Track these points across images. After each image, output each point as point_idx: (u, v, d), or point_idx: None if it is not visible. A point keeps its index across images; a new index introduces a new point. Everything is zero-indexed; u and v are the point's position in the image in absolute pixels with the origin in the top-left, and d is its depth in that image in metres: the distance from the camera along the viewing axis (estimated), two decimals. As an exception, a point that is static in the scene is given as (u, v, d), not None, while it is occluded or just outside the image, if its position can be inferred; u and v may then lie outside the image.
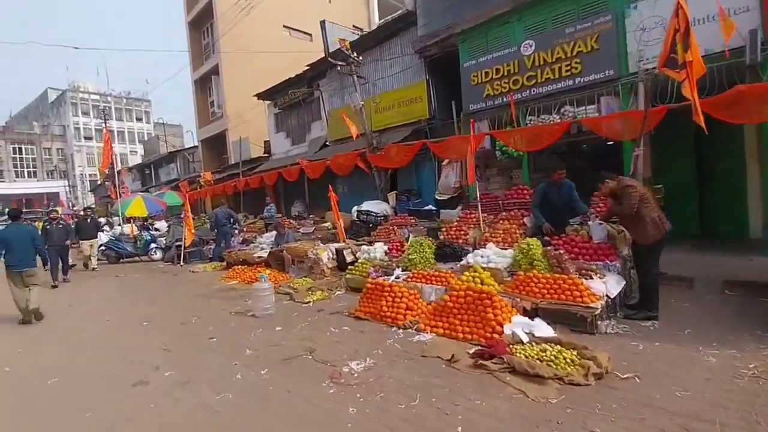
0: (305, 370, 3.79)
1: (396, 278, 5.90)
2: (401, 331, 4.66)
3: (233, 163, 18.26)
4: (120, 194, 25.42)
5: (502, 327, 4.04)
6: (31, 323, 6.14)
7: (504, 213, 6.62)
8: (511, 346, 3.68)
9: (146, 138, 53.56)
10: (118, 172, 30.24)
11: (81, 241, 11.03)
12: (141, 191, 22.80)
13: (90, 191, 44.19)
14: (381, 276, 6.29)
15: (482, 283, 5.01)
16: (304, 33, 21.72)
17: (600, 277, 4.56)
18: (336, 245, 7.75)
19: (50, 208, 7.78)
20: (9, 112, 61.43)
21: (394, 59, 11.21)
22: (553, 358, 3.35)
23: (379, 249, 7.00)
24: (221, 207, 11.15)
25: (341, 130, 13.09)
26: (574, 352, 3.42)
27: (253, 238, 11.43)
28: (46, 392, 3.73)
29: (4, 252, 6.08)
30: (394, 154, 8.64)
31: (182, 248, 10.58)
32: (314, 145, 14.14)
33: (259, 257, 8.61)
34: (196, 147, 23.33)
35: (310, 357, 4.08)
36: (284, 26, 21.03)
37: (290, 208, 14.73)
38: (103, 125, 28.57)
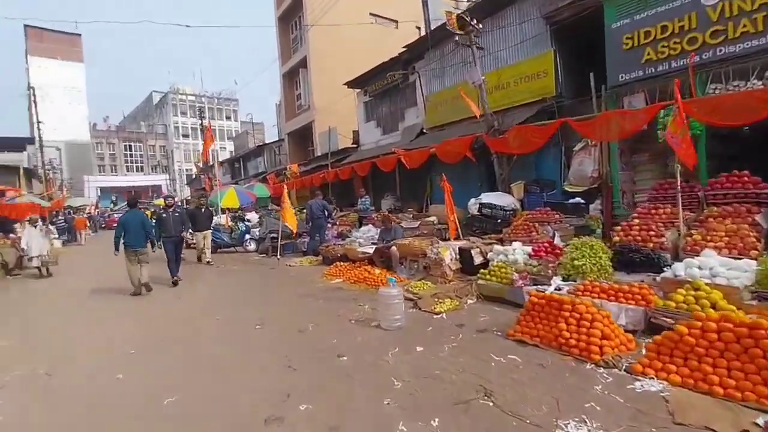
0: (495, 427, 2.62)
1: (557, 290, 4.52)
2: (603, 370, 3.29)
3: (319, 154, 17.97)
4: (213, 186, 26.87)
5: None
6: (141, 295, 7.01)
7: (716, 209, 4.85)
8: None
9: (234, 135, 57.39)
10: (216, 164, 32.37)
11: (195, 233, 10.52)
12: (231, 183, 23.72)
13: (186, 184, 48.23)
14: (530, 285, 4.95)
15: (714, 307, 3.47)
16: (390, 20, 20.83)
17: None
18: (458, 243, 6.53)
19: (166, 195, 7.31)
20: (122, 114, 69.64)
21: (512, 28, 9.63)
22: None
23: (519, 250, 5.64)
24: (316, 198, 10.53)
25: (441, 115, 11.86)
26: None
27: (348, 232, 10.69)
28: (165, 417, 3.00)
29: (123, 233, 7.10)
30: (521, 137, 7.17)
31: (278, 241, 10.13)
32: (408, 133, 13.08)
33: (364, 253, 7.69)
34: (282, 140, 23.71)
35: (491, 404, 2.90)
36: (370, 14, 20.30)
37: (380, 201, 13.84)
38: (199, 123, 30.61)
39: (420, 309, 5.25)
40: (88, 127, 54.30)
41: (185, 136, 55.36)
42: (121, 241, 7.12)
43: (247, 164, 28.16)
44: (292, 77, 21.79)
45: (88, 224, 22.48)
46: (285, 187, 10.70)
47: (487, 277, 5.49)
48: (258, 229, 13.14)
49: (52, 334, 5.32)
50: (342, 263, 8.19)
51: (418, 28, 19.35)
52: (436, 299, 5.43)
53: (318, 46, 18.98)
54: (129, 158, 55.23)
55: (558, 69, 9.00)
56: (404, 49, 12.71)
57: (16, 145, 36.35)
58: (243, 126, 57.38)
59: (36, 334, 5.37)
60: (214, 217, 15.82)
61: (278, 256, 9.84)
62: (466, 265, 6.17)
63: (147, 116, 63.56)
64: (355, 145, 16.30)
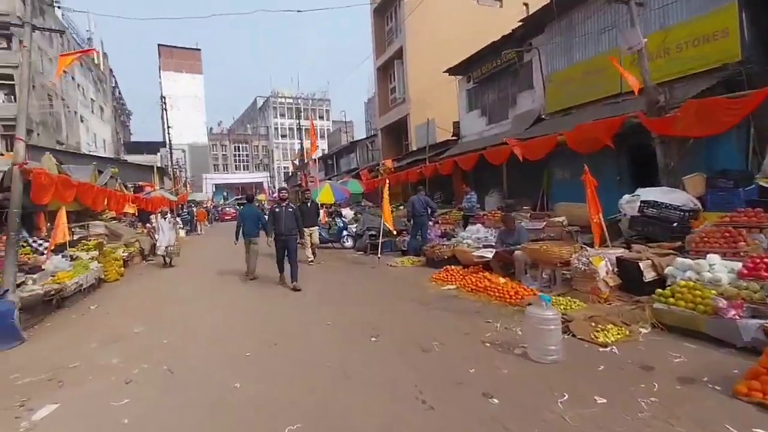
0: None
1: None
2: None
3: (415, 149, 17.29)
4: (309, 182, 27.98)
5: None
6: (257, 279, 8.13)
7: None
8: None
9: (326, 134, 60.12)
10: (311, 161, 34.05)
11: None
12: (326, 180, 24.35)
13: (284, 181, 51.81)
14: (747, 316, 3.50)
15: None
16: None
17: None
18: (616, 252, 5.16)
19: (281, 187, 6.79)
20: (232, 118, 77.79)
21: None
22: None
23: (720, 266, 4.12)
24: (418, 194, 9.77)
25: (566, 97, 10.22)
26: None
27: (452, 232, 9.75)
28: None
29: (242, 224, 8.21)
30: (704, 114, 5.43)
31: (379, 239, 9.61)
32: (521, 121, 11.62)
33: (481, 257, 6.68)
34: (375, 135, 23.63)
35: None
36: (471, -4, 18.95)
37: (483, 198, 12.61)
38: (296, 123, 32.29)
39: (574, 336, 4.09)
40: (206, 131, 61.64)
41: (283, 136, 59.60)
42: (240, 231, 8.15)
43: (339, 161, 28.85)
44: (387, 70, 21.45)
45: (207, 216, 25.01)
46: (387, 181, 10.07)
47: (670, 300, 4.10)
48: (354, 226, 12.91)
49: (174, 323, 5.37)
50: (452, 267, 7.28)
51: (526, 5, 17.48)
52: (592, 324, 4.22)
53: (415, 35, 18.26)
54: (237, 158, 61.38)
55: (743, 26, 6.88)
56: (520, 24, 11.24)
57: (152, 148, 42.54)
58: (335, 125, 59.97)
59: (161, 322, 5.47)
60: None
61: (378, 255, 9.31)
62: (629, 281, 4.79)
63: (252, 119, 69.97)
64: (455, 138, 15.25)
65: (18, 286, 6.24)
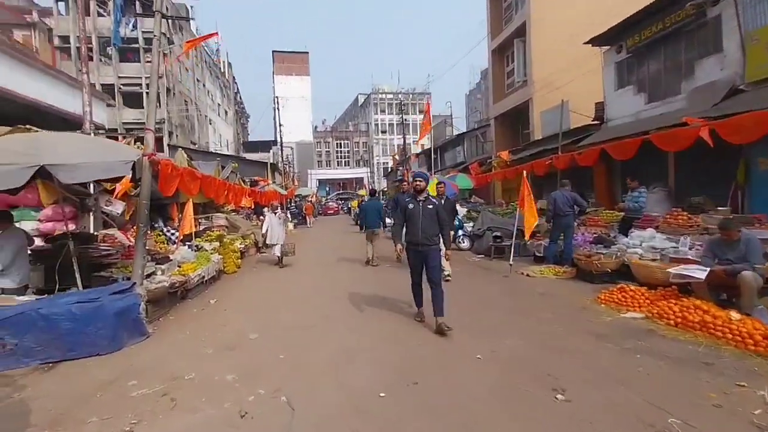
0: None
1: None
2: None
3: (539, 137, 15.13)
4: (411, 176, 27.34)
5: None
6: (377, 266, 8.96)
7: None
8: None
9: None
10: (413, 155, 33.47)
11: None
12: (434, 174, 23.26)
13: (383, 176, 52.39)
14: None
15: None
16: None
17: None
18: None
19: (416, 172, 4.98)
20: (335, 116, 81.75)
21: None
22: None
23: None
24: (562, 189, 7.99)
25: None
26: None
27: (609, 237, 7.77)
28: None
29: (364, 216, 9.37)
30: None
31: (513, 242, 8.12)
32: (703, 95, 8.95)
33: (682, 276, 4.79)
34: (487, 125, 21.77)
35: None
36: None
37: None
38: (398, 119, 31.77)
39: None
40: (311, 129, 65.64)
41: (383, 132, 60.37)
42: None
43: (444, 155, 27.52)
44: (503, 52, 19.42)
45: (313, 210, 26.02)
46: (525, 172, 8.47)
47: None
48: (470, 225, 11.52)
49: (290, 333, 4.72)
50: (629, 285, 5.50)
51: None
52: None
53: (541, 7, 16.00)
54: (339, 154, 64.13)
55: None
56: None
57: (266, 146, 46.39)
58: (435, 119, 58.76)
59: (276, 330, 4.89)
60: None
61: (510, 262, 7.82)
62: None
63: (353, 117, 72.54)
64: (596, 122, 12.78)
65: (148, 276, 6.36)
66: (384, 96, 61.27)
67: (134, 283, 4.85)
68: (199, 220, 13.14)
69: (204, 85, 40.36)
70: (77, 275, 5.26)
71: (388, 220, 11.76)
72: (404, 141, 29.25)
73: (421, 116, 59.42)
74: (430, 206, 4.67)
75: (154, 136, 5.39)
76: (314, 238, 17.44)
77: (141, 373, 3.76)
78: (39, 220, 7.39)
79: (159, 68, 6.39)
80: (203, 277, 7.30)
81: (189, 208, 8.63)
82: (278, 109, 34.71)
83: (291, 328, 4.88)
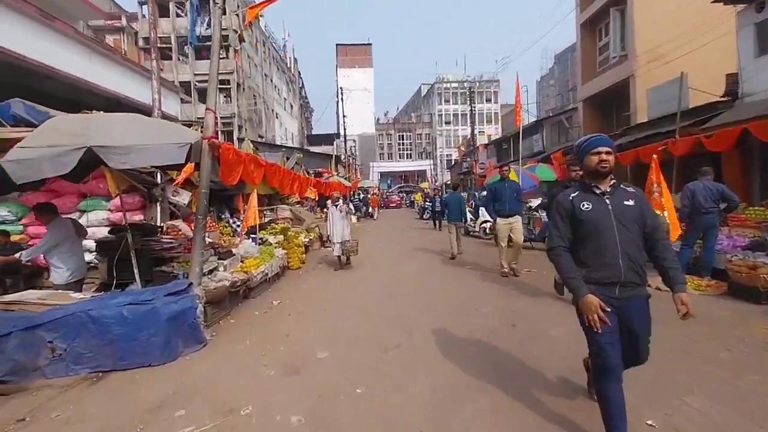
0: None
1: None
2: None
3: (644, 120, 12.89)
4: (480, 169, 25.58)
5: None
6: (455, 259, 8.79)
7: None
8: None
9: (493, 119, 56.30)
10: (481, 146, 31.61)
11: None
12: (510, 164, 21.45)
13: (447, 169, 50.63)
14: None
15: None
16: None
17: None
18: None
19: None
20: (397, 108, 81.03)
21: None
22: None
23: None
24: (702, 178, 6.25)
25: None
26: None
27: (763, 239, 5.96)
28: None
29: (447, 210, 9.52)
30: None
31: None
32: None
33: None
34: (573, 109, 19.48)
35: None
36: None
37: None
38: (466, 109, 29.96)
39: None
40: (374, 122, 65.47)
41: (447, 123, 58.38)
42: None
43: (518, 144, 25.35)
44: (595, 25, 17.05)
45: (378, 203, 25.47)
46: (654, 157, 6.85)
47: None
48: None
49: (366, 355, 3.85)
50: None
51: None
52: None
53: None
54: (401, 146, 63.28)
55: None
56: None
57: (329, 139, 47.02)
58: (503, 109, 55.50)
59: (348, 349, 4.04)
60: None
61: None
62: None
63: (416, 108, 71.20)
64: (726, 98, 10.42)
65: (210, 272, 5.90)
66: (448, 85, 59.09)
67: (191, 284, 4.28)
68: (264, 212, 12.98)
69: (271, 80, 41.63)
70: (135, 270, 4.87)
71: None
72: (472, 130, 27.52)
73: (489, 105, 56.61)
74: (630, 202, 2.25)
75: (216, 117, 4.79)
76: (381, 231, 16.69)
77: (191, 399, 3.11)
78: (109, 210, 7.35)
79: (218, 37, 5.84)
80: (266, 274, 6.77)
81: (253, 199, 8.21)
82: (342, 100, 34.59)
83: (367, 348, 4.00)
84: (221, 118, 31.52)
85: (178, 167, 6.05)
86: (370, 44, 74.04)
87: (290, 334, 4.46)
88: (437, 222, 16.32)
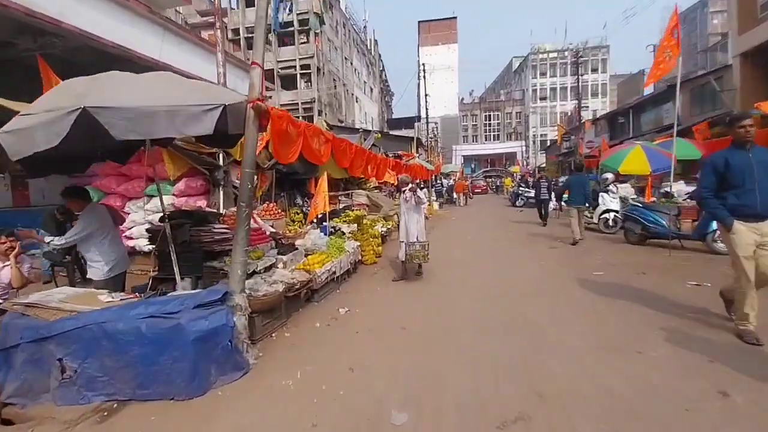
0: None
1: None
2: None
3: None
4: (586, 148, 22.24)
5: None
6: (576, 245, 8.55)
7: None
8: None
9: (599, 90, 49.96)
10: (587, 122, 27.79)
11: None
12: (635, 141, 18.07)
13: (541, 151, 46.22)
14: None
15: None
16: None
17: None
18: None
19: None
20: (484, 86, 76.53)
21: None
22: None
23: None
24: None
25: None
26: None
27: None
28: None
29: (570, 193, 9.08)
30: None
31: None
32: None
33: None
34: (725, 67, 15.55)
35: None
36: None
37: None
38: (576, 78, 26.19)
39: None
40: (457, 102, 62.50)
41: (542, 98, 53.22)
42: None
43: (639, 117, 21.43)
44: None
45: (467, 189, 23.62)
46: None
47: None
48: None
49: (464, 420, 2.53)
50: None
51: None
52: None
53: None
54: (488, 127, 59.54)
55: None
56: None
57: (409, 122, 45.76)
58: (612, 80, 48.69)
59: (439, 415, 2.75)
60: (615, 187, 11.26)
61: None
62: None
63: (506, 84, 66.41)
64: None
65: (267, 269, 5.03)
66: (545, 56, 53.55)
67: (225, 292, 3.33)
68: (339, 198, 12.21)
69: (351, 63, 41.43)
70: (174, 266, 4.13)
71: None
72: (579, 104, 24.05)
73: (596, 75, 50.17)
74: None
75: (263, 73, 3.75)
76: (468, 221, 15.00)
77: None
78: (174, 195, 6.96)
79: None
80: (334, 273, 5.76)
81: (323, 183, 7.27)
82: (424, 78, 32.92)
83: (470, 416, 2.61)
84: (302, 103, 32.09)
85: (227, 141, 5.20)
86: (455, 18, 70.61)
87: (355, 369, 3.30)
88: (543, 212, 12.94)
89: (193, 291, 3.53)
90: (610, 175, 10.75)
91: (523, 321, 4.29)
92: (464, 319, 4.47)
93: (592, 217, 10.58)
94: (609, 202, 9.99)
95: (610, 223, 9.96)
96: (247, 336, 3.59)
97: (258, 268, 4.89)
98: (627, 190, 11.77)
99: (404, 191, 6.50)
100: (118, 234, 4.36)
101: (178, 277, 4.11)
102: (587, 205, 9.19)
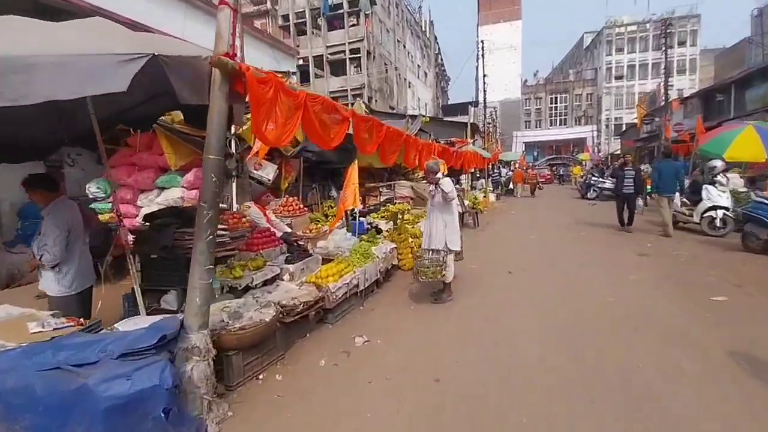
0: None
1: None
2: None
3: None
4: (674, 132, 19.46)
5: None
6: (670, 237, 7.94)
7: None
8: None
9: (687, 66, 44.25)
10: (675, 101, 24.30)
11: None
12: (739, 123, 15.09)
13: (616, 136, 41.85)
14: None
15: None
16: None
17: None
18: None
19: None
20: (551, 65, 71.27)
21: None
22: None
23: None
24: None
25: None
26: None
27: None
28: None
29: (657, 178, 8.38)
30: None
31: None
32: None
33: None
34: None
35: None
36: None
37: None
38: (663, 51, 22.78)
39: None
40: (520, 85, 58.60)
41: (618, 77, 48.10)
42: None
43: (743, 93, 18.05)
44: None
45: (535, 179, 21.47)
46: None
47: None
48: None
49: None
50: None
51: None
52: None
53: None
54: (553, 111, 55.26)
55: None
56: None
57: (465, 109, 43.56)
58: (703, 54, 42.70)
59: None
60: (723, 178, 9.05)
61: None
62: None
63: (575, 63, 61.26)
64: None
65: (266, 283, 4.07)
66: (622, 29, 48.16)
67: (163, 335, 2.32)
68: (381, 189, 11.12)
69: (404, 46, 39.87)
70: (136, 286, 3.25)
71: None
72: (666, 81, 20.85)
73: (683, 49, 44.38)
74: None
75: (234, 16, 2.68)
76: (532, 216, 13.21)
77: None
78: (183, 187, 6.25)
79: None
80: (356, 286, 4.66)
81: (353, 173, 6.20)
82: (483, 56, 30.72)
83: None
84: (353, 89, 31.27)
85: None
86: (519, -9, 65.95)
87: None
88: (628, 208, 9.20)
89: (134, 328, 2.59)
90: (718, 163, 8.60)
91: (621, 377, 2.92)
92: (529, 367, 3.18)
93: (692, 215, 8.55)
94: (716, 197, 7.92)
95: (718, 223, 7.91)
96: (212, 388, 2.61)
97: (254, 283, 3.94)
98: (735, 181, 9.53)
99: (434, 179, 4.83)
100: (85, 240, 3.57)
101: (141, 303, 3.22)
102: (678, 193, 8.51)
